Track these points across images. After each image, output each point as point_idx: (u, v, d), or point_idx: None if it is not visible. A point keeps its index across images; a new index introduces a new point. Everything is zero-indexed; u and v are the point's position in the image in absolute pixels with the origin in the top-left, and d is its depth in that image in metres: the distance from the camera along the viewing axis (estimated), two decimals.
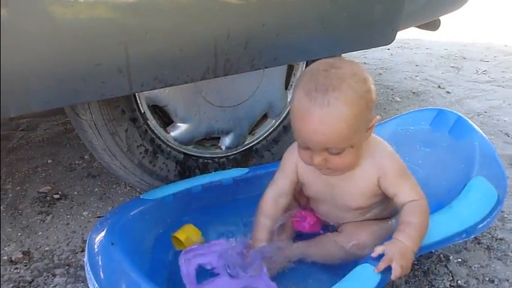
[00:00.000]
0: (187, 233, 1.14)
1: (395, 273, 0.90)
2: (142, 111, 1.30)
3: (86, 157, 1.81)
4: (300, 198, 1.23)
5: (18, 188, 1.61)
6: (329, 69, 0.95)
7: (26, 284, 1.18)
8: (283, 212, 1.15)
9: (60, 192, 1.58)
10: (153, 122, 1.34)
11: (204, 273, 1.07)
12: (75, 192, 1.59)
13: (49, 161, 1.79)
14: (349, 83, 0.93)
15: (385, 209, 1.12)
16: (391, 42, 1.45)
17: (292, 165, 1.12)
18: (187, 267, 1.05)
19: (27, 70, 0.89)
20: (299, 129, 0.97)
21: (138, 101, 1.28)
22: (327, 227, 1.18)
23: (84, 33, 0.92)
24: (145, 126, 1.32)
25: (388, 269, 0.95)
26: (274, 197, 1.14)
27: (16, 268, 1.23)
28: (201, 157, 1.46)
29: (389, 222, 1.14)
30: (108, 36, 0.95)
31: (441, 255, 1.25)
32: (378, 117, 1.02)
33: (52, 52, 0.90)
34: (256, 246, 1.08)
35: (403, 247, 0.94)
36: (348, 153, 0.97)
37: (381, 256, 0.93)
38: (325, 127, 0.92)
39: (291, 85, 1.57)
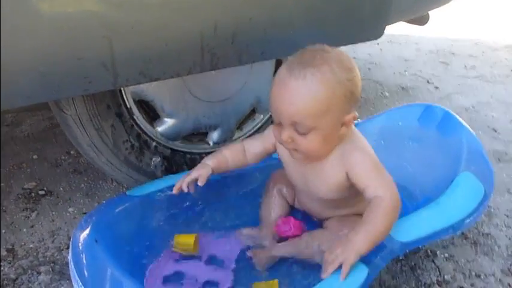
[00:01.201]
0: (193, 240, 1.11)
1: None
2: (129, 106, 1.28)
3: (72, 153, 1.79)
4: (288, 195, 1.23)
5: (3, 184, 1.58)
6: (318, 51, 0.97)
7: (9, 282, 1.16)
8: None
9: (45, 189, 1.56)
10: (139, 117, 1.32)
11: None
12: (61, 189, 1.57)
13: (34, 157, 1.76)
14: (330, 66, 0.94)
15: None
16: (379, 37, 1.45)
17: (272, 140, 1.12)
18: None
19: (9, 64, 0.87)
20: (272, 99, 0.98)
21: (124, 96, 1.27)
22: (312, 226, 1.18)
23: (67, 27, 0.90)
24: (132, 121, 1.30)
25: (376, 265, 0.95)
26: (243, 147, 1.17)
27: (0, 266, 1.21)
28: (188, 152, 1.45)
29: None
30: (92, 29, 0.93)
31: (428, 251, 1.25)
32: (356, 114, 1.01)
33: (35, 46, 0.88)
34: (202, 167, 1.11)
35: (351, 252, 0.90)
36: (314, 136, 0.96)
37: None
38: (294, 98, 0.94)
39: None
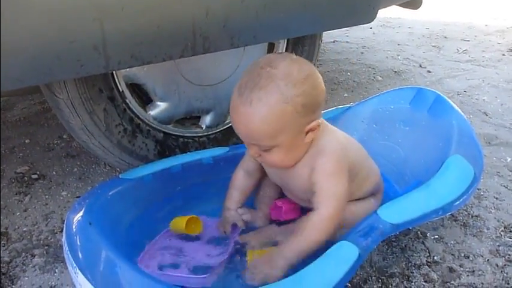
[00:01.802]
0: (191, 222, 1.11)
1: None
2: (121, 90, 1.28)
3: (64, 137, 1.79)
4: None
5: None
6: (265, 67, 0.95)
7: (4, 265, 1.16)
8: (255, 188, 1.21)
9: (38, 173, 1.56)
10: (131, 101, 1.32)
11: None
12: (54, 172, 1.57)
13: (26, 141, 1.76)
14: (277, 84, 0.92)
15: (358, 190, 1.13)
16: (372, 21, 1.45)
17: None
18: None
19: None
20: (231, 121, 0.99)
21: (116, 80, 1.26)
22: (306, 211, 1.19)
23: (58, 9, 0.90)
24: (124, 105, 1.30)
25: (366, 246, 0.96)
26: (243, 173, 1.18)
27: None
28: (181, 136, 1.45)
29: (368, 201, 1.15)
30: (83, 12, 0.93)
31: (418, 232, 1.27)
32: (319, 120, 1.00)
33: (25, 28, 0.88)
34: (228, 215, 1.14)
35: (276, 266, 0.94)
36: (277, 152, 0.98)
37: (361, 232, 0.97)
38: (245, 124, 0.95)
39: None
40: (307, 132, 0.99)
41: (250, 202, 1.22)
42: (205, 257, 1.08)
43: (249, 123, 0.94)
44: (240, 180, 1.18)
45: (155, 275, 0.97)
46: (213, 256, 1.07)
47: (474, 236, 1.27)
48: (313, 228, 0.97)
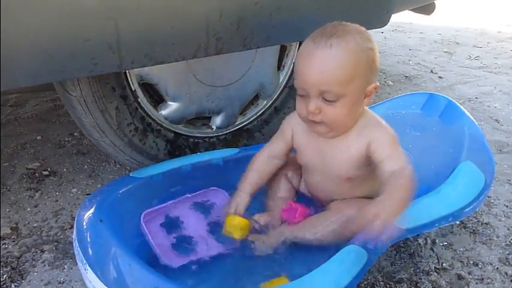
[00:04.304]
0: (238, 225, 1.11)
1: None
2: (133, 89, 1.29)
3: (75, 134, 1.80)
4: (293, 179, 1.24)
5: (7, 164, 1.60)
6: (338, 25, 1.02)
7: (14, 259, 1.18)
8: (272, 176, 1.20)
9: (49, 169, 1.57)
10: (143, 100, 1.33)
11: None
12: (64, 169, 1.58)
13: (38, 138, 1.77)
14: (353, 36, 0.99)
15: (374, 186, 1.12)
16: (385, 25, 1.44)
17: (288, 129, 1.16)
18: (148, 228, 1.08)
19: (15, 44, 0.88)
20: (300, 71, 1.01)
21: (129, 79, 1.27)
22: (317, 211, 1.18)
23: (73, 8, 0.91)
24: (136, 104, 1.30)
25: (375, 251, 0.96)
26: (267, 156, 1.19)
27: (4, 244, 1.23)
28: (191, 136, 1.46)
29: None
30: (98, 11, 0.93)
31: (427, 238, 1.26)
32: (377, 83, 1.05)
33: (40, 26, 0.89)
34: (238, 197, 1.14)
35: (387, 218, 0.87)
36: (343, 104, 0.99)
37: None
38: (323, 66, 0.97)
39: (283, 66, 1.56)
40: (365, 96, 1.03)
41: (261, 206, 1.21)
42: (199, 241, 1.11)
43: (327, 65, 0.97)
44: (261, 163, 1.18)
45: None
46: (207, 246, 1.10)
47: (483, 243, 1.26)
48: (400, 186, 0.94)
